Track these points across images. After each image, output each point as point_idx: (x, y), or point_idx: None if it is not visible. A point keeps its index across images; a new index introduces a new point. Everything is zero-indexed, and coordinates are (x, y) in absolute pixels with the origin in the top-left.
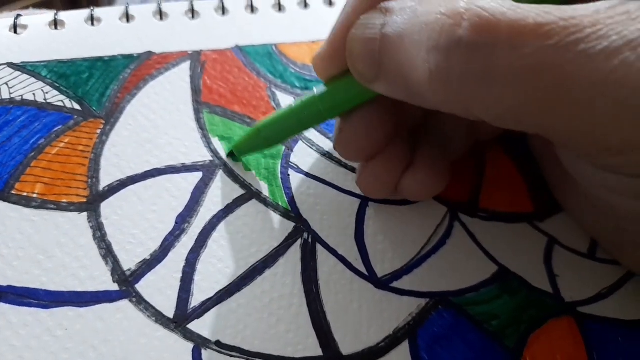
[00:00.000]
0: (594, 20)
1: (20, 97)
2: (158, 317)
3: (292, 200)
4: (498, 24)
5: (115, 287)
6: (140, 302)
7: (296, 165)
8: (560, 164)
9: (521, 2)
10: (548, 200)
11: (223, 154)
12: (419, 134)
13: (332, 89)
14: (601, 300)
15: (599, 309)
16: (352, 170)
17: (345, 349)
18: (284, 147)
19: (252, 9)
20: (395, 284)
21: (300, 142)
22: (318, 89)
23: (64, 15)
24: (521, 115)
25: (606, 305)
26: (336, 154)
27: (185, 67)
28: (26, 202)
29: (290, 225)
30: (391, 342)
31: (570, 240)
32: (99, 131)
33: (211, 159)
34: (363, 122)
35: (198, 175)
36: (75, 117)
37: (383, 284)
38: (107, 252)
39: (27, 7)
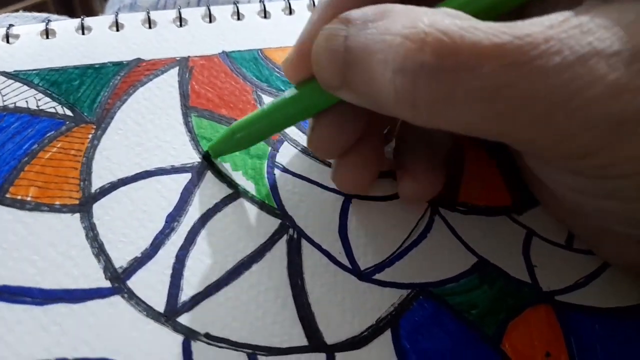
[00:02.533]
0: (547, 36)
1: (13, 105)
2: (149, 311)
3: (278, 198)
4: (458, 48)
5: (107, 284)
6: (132, 298)
7: (281, 164)
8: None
9: (481, 17)
10: (526, 194)
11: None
12: (405, 136)
13: (301, 92)
14: (578, 289)
15: (576, 298)
16: None
17: (330, 338)
18: (270, 148)
19: (238, 15)
20: (377, 276)
21: (285, 143)
22: (289, 91)
23: (55, 24)
24: (487, 129)
25: (583, 293)
26: None
27: (173, 73)
28: (20, 204)
29: (276, 222)
30: (374, 332)
31: (548, 232)
32: (90, 136)
33: (200, 160)
34: (333, 120)
35: (187, 176)
36: (67, 122)
37: (366, 276)
38: (99, 251)
39: (17, 10)
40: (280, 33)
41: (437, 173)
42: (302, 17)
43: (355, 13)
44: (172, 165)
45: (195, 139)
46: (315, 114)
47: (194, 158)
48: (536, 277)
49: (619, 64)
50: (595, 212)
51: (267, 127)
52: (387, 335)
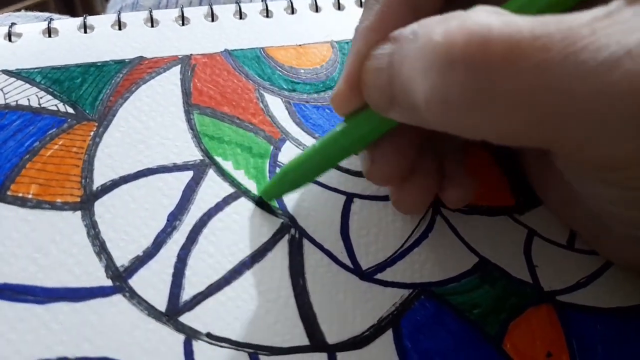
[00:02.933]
0: (592, 30)
1: (15, 102)
2: (150, 310)
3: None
4: (492, 39)
5: (108, 282)
6: (133, 297)
7: (283, 164)
8: (542, 162)
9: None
10: (528, 194)
11: (213, 153)
12: (440, 145)
13: (353, 123)
14: (580, 289)
15: (577, 298)
16: (337, 167)
17: (331, 338)
18: (272, 147)
19: (241, 14)
20: (379, 276)
21: (287, 142)
22: (339, 126)
23: (57, 23)
24: (524, 134)
25: (585, 293)
26: None
27: (175, 71)
28: (22, 202)
29: (277, 222)
30: (375, 331)
31: (549, 232)
32: (92, 133)
33: (202, 158)
34: (391, 148)
35: (189, 174)
36: (69, 120)
37: (367, 276)
38: (101, 249)
39: (19, 10)
40: (283, 32)
41: (473, 179)
42: (305, 16)
43: (403, 30)
44: (174, 163)
45: (197, 137)
46: (369, 145)
47: (196, 156)
48: (537, 277)
49: None
50: (611, 217)
51: (320, 164)
52: (389, 334)
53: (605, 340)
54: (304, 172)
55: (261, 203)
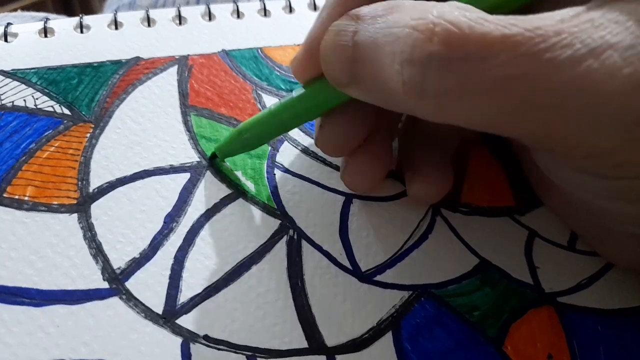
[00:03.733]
0: (558, 29)
1: (11, 103)
2: (147, 313)
3: (277, 198)
4: (467, 38)
5: (105, 285)
6: (130, 299)
7: (281, 164)
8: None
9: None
10: (529, 195)
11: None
12: (411, 135)
13: (310, 91)
14: (581, 291)
15: (578, 299)
16: (337, 168)
17: (330, 341)
18: (269, 148)
19: (238, 14)
20: (378, 278)
21: (285, 142)
22: (296, 91)
23: (53, 23)
24: (495, 123)
25: (586, 295)
26: (320, 152)
27: (172, 72)
28: (18, 204)
29: (276, 223)
30: (375, 334)
31: (550, 233)
32: (88, 135)
33: (198, 160)
34: (342, 119)
35: (186, 176)
36: (65, 121)
37: (367, 277)
38: (97, 252)
39: (15, 10)
40: (281, 32)
41: (447, 173)
42: (302, 15)
43: (365, 9)
44: (171, 165)
45: (194, 138)
46: (324, 113)
47: (193, 157)
48: (538, 279)
49: (634, 58)
50: (602, 212)
51: (275, 127)
52: (389, 337)
53: (606, 341)
54: (259, 133)
55: (214, 161)
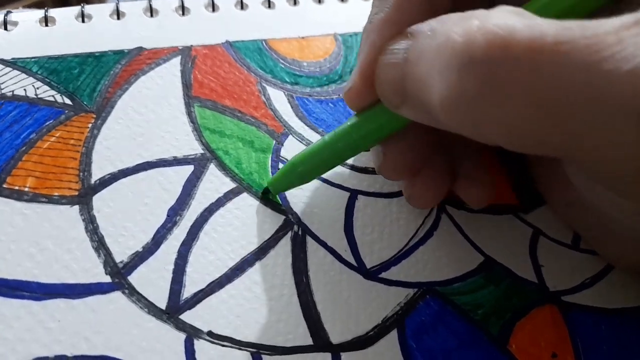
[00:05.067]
0: (619, 38)
1: (11, 93)
2: (150, 308)
3: (282, 193)
4: (513, 42)
5: (107, 279)
6: (133, 294)
7: (286, 159)
8: (547, 162)
9: (541, 15)
10: (533, 193)
11: (214, 146)
12: (455, 145)
13: (365, 117)
14: (584, 290)
15: (582, 298)
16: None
17: (335, 338)
18: (274, 142)
19: (242, 5)
20: (383, 275)
21: (290, 137)
22: (351, 120)
23: (54, 12)
24: (538, 140)
25: (589, 294)
26: None
27: (175, 62)
28: (18, 195)
29: (280, 218)
30: (380, 331)
31: (554, 232)
32: (90, 125)
33: (202, 152)
34: (403, 145)
35: (189, 169)
36: (67, 111)
37: (372, 274)
38: (99, 245)
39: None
40: (285, 24)
41: (492, 179)
42: (307, 7)
43: (419, 25)
44: (174, 157)
45: (198, 130)
46: (381, 140)
47: (197, 149)
48: (543, 277)
49: None
50: (620, 223)
51: (330, 158)
52: (394, 334)
53: (610, 341)
54: (313, 165)
55: (266, 196)
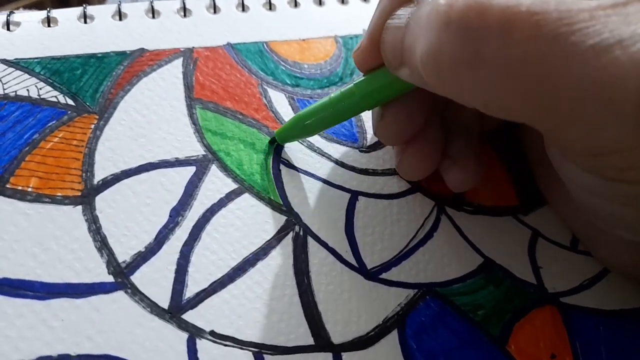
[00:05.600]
0: (589, 16)
1: (14, 93)
2: (153, 307)
3: (283, 194)
4: (490, 8)
5: (110, 278)
6: (135, 294)
7: (287, 160)
8: (548, 161)
9: None
10: (532, 195)
11: (216, 148)
12: (450, 121)
13: (369, 78)
14: (583, 291)
15: (581, 300)
16: (342, 165)
17: (336, 338)
18: (275, 143)
19: (243, 7)
20: (384, 275)
21: None
22: (357, 79)
23: (56, 13)
24: (508, 104)
25: (588, 295)
26: (327, 150)
27: (177, 64)
28: (21, 195)
29: (282, 219)
30: (381, 331)
31: (553, 234)
32: (92, 126)
33: (204, 153)
34: (400, 109)
35: (191, 170)
36: (69, 112)
37: (372, 275)
38: (102, 245)
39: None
40: (286, 26)
41: (480, 160)
42: (308, 10)
43: None
44: (176, 158)
45: (200, 131)
46: (382, 103)
47: (199, 151)
48: (542, 279)
49: None
50: (604, 215)
51: (333, 115)
52: (394, 335)
53: (609, 342)
54: (317, 120)
55: (272, 145)
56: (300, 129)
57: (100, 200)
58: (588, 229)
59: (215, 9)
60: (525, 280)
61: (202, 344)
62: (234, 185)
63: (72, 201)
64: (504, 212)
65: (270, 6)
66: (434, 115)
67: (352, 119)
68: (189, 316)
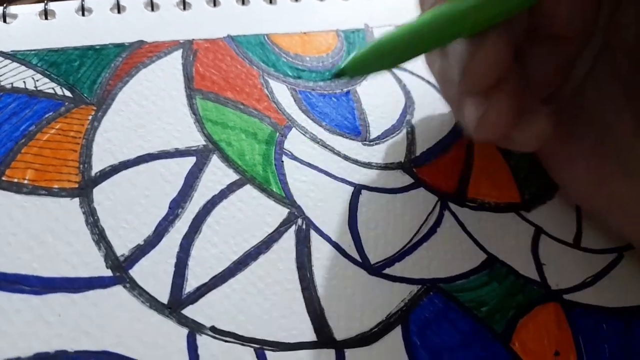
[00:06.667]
0: None
1: (10, 85)
2: (152, 302)
3: (286, 186)
4: None
5: (108, 272)
6: (134, 288)
7: (290, 151)
8: (553, 143)
9: None
10: (534, 191)
11: (217, 138)
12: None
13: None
14: (586, 288)
15: (584, 297)
16: (345, 158)
17: (339, 334)
18: (277, 134)
19: (243, 0)
20: (387, 271)
21: (293, 129)
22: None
23: (54, 5)
24: None
25: (591, 292)
26: (330, 142)
27: (177, 55)
28: (17, 188)
29: (284, 211)
30: (384, 328)
31: (556, 230)
32: (90, 117)
33: (205, 143)
34: (503, 32)
35: (191, 160)
36: (67, 103)
37: (376, 270)
38: (100, 238)
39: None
40: (286, 20)
41: (549, 118)
42: (308, 4)
43: None
44: (176, 149)
45: (200, 121)
46: (470, 34)
47: (199, 141)
48: (544, 275)
49: None
50: None
51: (415, 44)
52: (398, 331)
53: (611, 339)
54: (399, 48)
55: (340, 77)
56: (378, 59)
57: (98, 192)
58: (628, 207)
59: (215, 2)
60: (528, 277)
61: (202, 340)
62: (235, 176)
63: (69, 193)
64: (506, 208)
65: (271, 0)
66: (514, 61)
67: (355, 112)
68: (189, 311)
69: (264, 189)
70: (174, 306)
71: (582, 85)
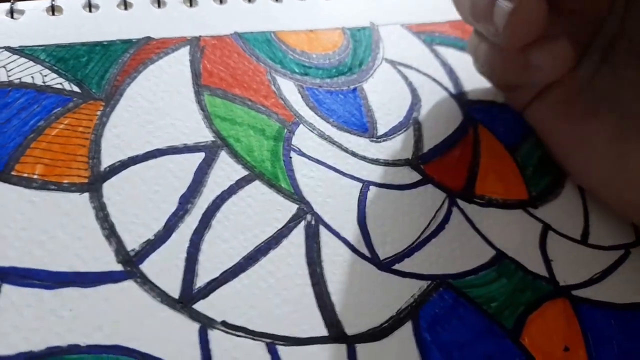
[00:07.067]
0: None
1: (18, 80)
2: (163, 297)
3: (294, 182)
4: None
5: (119, 267)
6: (145, 283)
7: (298, 148)
8: (567, 125)
9: None
10: (542, 188)
11: (225, 134)
12: None
13: None
14: (594, 284)
15: (592, 293)
16: (353, 154)
17: (350, 329)
18: (285, 130)
19: None
20: (397, 266)
21: (301, 126)
22: None
23: (61, 1)
24: None
25: (599, 289)
26: (337, 139)
27: (184, 52)
28: (27, 182)
29: (293, 207)
30: (394, 323)
31: (563, 227)
32: (99, 113)
33: (213, 139)
34: None
35: (200, 156)
36: (75, 99)
37: (385, 266)
38: (110, 233)
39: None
40: (293, 18)
41: (570, 46)
42: (315, 2)
43: None
44: (184, 144)
45: (208, 117)
46: None
47: (208, 137)
48: (553, 272)
49: None
50: None
51: None
52: (408, 327)
53: (620, 335)
54: None
55: None
56: None
57: (108, 187)
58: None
59: None
60: (536, 274)
61: (214, 335)
62: (244, 172)
63: (78, 188)
64: (514, 205)
65: None
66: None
67: (362, 109)
68: (200, 306)
69: (272, 184)
70: (185, 301)
71: (598, 69)
